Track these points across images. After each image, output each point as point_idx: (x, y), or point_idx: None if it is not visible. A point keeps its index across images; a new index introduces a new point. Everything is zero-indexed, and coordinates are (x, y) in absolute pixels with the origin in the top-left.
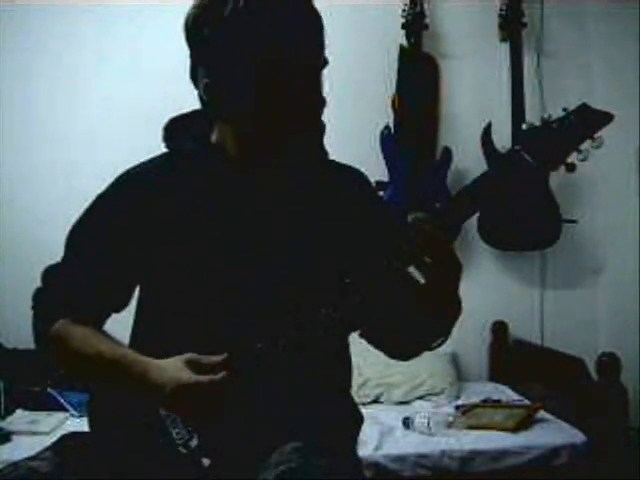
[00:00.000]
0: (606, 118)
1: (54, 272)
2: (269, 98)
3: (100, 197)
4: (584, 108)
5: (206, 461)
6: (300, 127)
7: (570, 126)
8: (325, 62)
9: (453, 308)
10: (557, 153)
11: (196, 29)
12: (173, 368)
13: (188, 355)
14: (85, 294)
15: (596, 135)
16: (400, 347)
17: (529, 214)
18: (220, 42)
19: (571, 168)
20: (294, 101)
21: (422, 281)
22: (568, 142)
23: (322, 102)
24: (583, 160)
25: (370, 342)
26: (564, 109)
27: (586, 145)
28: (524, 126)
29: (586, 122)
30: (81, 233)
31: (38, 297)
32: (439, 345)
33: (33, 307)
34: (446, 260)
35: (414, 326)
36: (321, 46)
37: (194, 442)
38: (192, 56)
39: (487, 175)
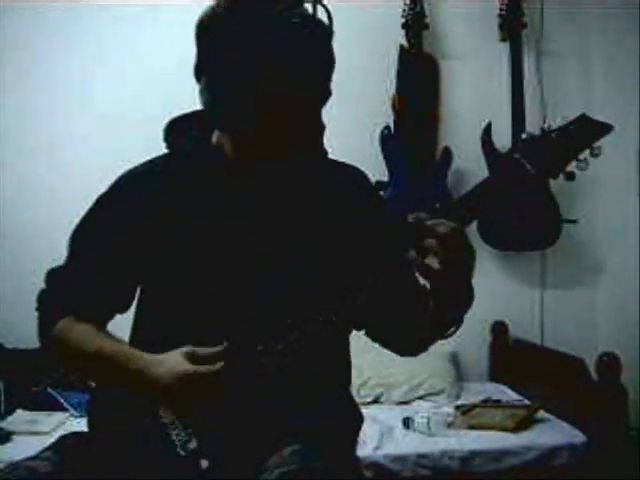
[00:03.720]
0: (605, 129)
1: (57, 274)
2: (266, 120)
3: (101, 198)
4: (583, 119)
5: (204, 463)
6: (296, 142)
7: (569, 136)
8: (328, 95)
9: (466, 297)
10: (556, 162)
11: (204, 40)
12: (172, 360)
13: (185, 348)
14: (88, 296)
15: (595, 145)
16: (408, 343)
17: (529, 214)
18: (222, 62)
19: (571, 177)
20: (291, 127)
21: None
22: (567, 152)
23: (322, 128)
24: (582, 169)
25: (375, 340)
26: (564, 118)
27: (585, 155)
28: (524, 135)
29: (585, 132)
30: (83, 234)
31: (42, 299)
32: (451, 334)
33: (37, 309)
34: (461, 248)
35: (425, 320)
36: (324, 80)
37: (193, 444)
38: (197, 61)
39: (487, 182)
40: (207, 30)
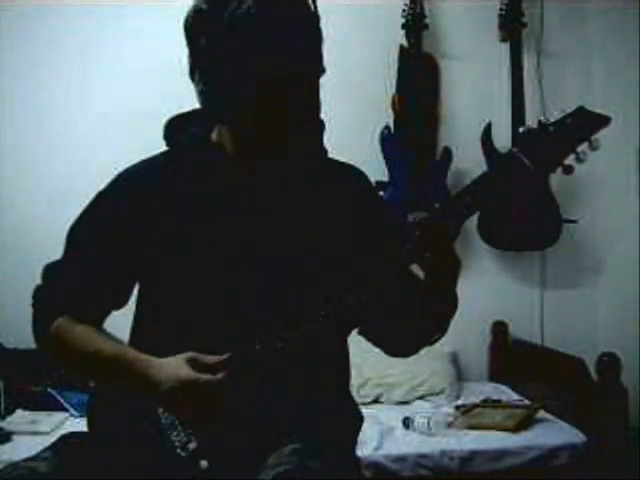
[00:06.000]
0: (603, 121)
1: (54, 269)
2: (266, 106)
3: (100, 195)
4: (581, 111)
5: (204, 463)
6: (297, 131)
7: (567, 129)
8: (322, 71)
9: (450, 305)
10: (554, 155)
11: (193, 35)
12: (173, 365)
13: (189, 354)
14: (84, 291)
15: (593, 137)
16: (399, 344)
17: (529, 214)
18: (217, 52)
19: (569, 170)
20: (291, 109)
21: (421, 277)
22: (565, 145)
23: (318, 109)
24: (580, 162)
25: (368, 339)
26: (562, 111)
27: (583, 148)
28: (521, 129)
29: (583, 125)
30: (81, 230)
31: (38, 295)
32: (435, 341)
33: (33, 305)
34: (447, 257)
35: (413, 323)
36: (318, 55)
37: (192, 445)
38: (190, 57)
39: (485, 176)
40: (194, 27)
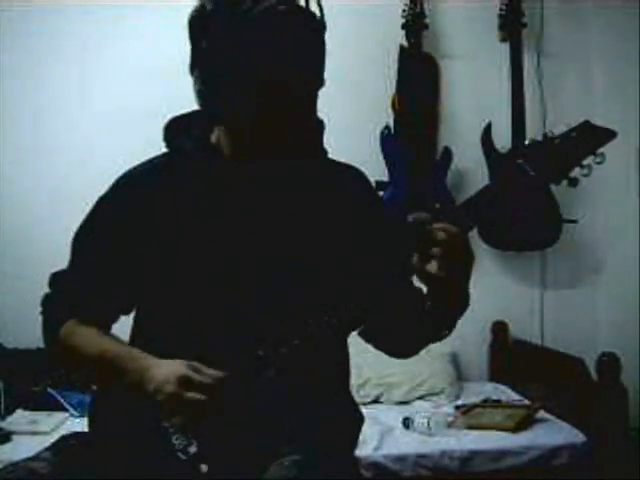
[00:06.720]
0: (608, 135)
1: (61, 277)
2: (264, 108)
3: (101, 199)
4: (586, 125)
5: (204, 467)
6: (294, 132)
7: (572, 143)
8: (322, 83)
9: (462, 302)
10: (560, 168)
11: (195, 34)
12: (173, 365)
13: (191, 362)
14: (91, 298)
15: (598, 151)
16: (402, 345)
17: (529, 214)
18: (217, 52)
19: (573, 183)
20: (286, 119)
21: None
22: (570, 158)
23: (322, 127)
24: (586, 175)
25: (368, 341)
26: (567, 125)
27: (588, 160)
28: (527, 141)
29: (588, 139)
30: (84, 237)
31: (46, 303)
32: (443, 337)
33: (42, 312)
34: (461, 255)
35: (419, 323)
36: (318, 68)
37: (193, 448)
38: (191, 55)
39: (490, 189)
40: (197, 26)
